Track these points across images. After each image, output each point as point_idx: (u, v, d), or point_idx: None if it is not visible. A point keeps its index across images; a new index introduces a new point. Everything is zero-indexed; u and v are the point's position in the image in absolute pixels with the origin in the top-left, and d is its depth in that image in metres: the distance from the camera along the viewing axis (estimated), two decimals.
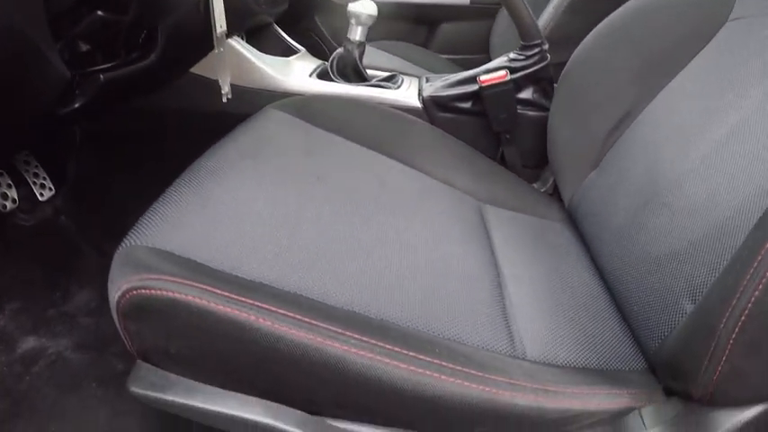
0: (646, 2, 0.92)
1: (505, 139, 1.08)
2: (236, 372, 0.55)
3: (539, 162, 1.10)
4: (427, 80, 1.22)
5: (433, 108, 1.11)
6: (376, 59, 1.54)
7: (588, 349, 0.65)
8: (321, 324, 0.52)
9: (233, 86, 1.20)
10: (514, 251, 0.81)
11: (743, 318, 0.49)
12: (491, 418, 0.53)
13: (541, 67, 1.06)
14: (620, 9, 0.94)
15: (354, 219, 0.71)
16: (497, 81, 1.03)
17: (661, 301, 0.63)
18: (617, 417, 0.57)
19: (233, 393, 0.55)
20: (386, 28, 1.99)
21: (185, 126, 1.30)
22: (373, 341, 0.53)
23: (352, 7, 1.20)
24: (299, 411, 0.54)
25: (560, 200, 1.00)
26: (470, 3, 1.95)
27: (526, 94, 1.08)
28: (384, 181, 0.84)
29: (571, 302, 0.73)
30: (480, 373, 0.54)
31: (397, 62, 1.59)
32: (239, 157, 0.77)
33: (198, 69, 1.23)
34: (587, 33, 0.98)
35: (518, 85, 1.06)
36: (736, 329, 0.49)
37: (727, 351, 0.50)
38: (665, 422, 0.56)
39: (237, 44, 1.23)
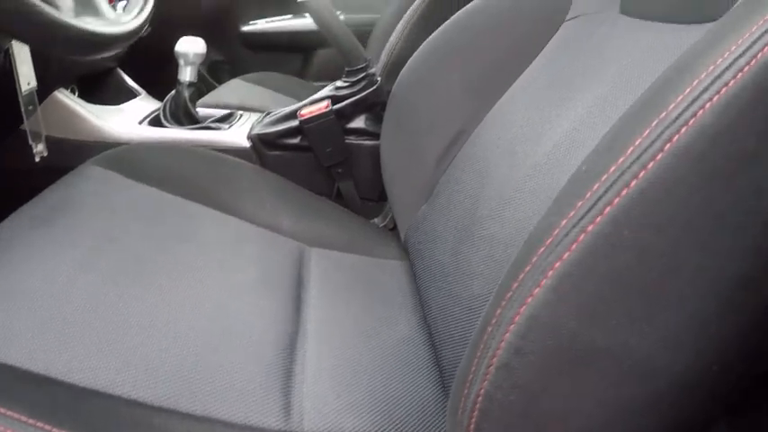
0: (474, 10, 0.86)
1: (338, 174, 1.01)
2: None
3: (379, 194, 1.03)
4: (268, 115, 1.15)
5: (262, 147, 1.03)
6: (234, 96, 1.47)
7: (382, 416, 0.57)
8: None
9: (60, 140, 1.13)
10: (330, 300, 0.73)
11: (476, 409, 0.37)
12: None
13: (370, 93, 0.99)
14: (448, 22, 0.88)
15: (132, 285, 0.65)
16: (317, 113, 0.96)
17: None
18: None
19: None
20: (260, 59, 1.95)
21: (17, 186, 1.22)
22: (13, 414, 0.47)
23: (178, 47, 1.12)
24: None
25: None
26: None
27: (357, 122, 1.01)
28: (191, 235, 0.76)
29: (379, 360, 0.65)
30: None
31: (256, 97, 1.52)
32: (30, 227, 0.72)
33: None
34: None
35: (346, 114, 1.00)
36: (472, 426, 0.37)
37: None
38: None
39: (61, 94, 1.15)
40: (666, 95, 0.33)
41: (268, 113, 1.17)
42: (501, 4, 0.84)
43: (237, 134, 1.08)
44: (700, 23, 0.55)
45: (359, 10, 1.98)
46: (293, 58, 1.99)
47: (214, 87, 1.86)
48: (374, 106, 1.00)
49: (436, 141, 0.83)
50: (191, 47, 1.12)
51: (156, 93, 1.36)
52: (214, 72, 2.02)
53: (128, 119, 1.18)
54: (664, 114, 0.32)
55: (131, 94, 1.33)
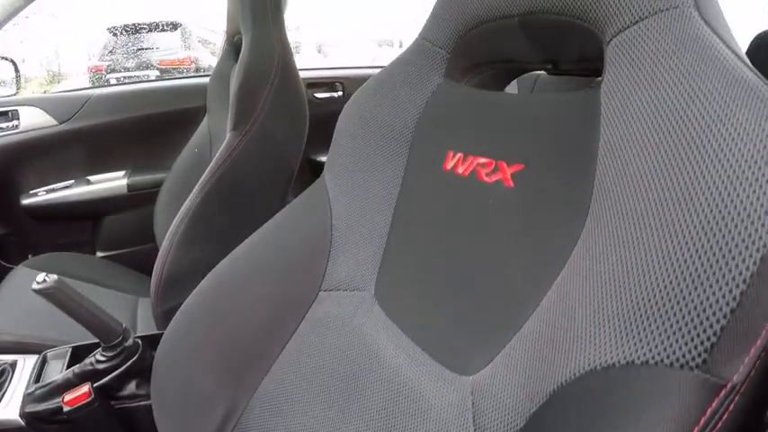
0: (229, 264, 0.84)
1: None
2: None
3: None
4: (42, 370, 1.10)
5: (38, 423, 0.98)
6: (12, 320, 1.39)
7: None
8: None
9: None
10: None
11: None
12: None
13: (133, 363, 0.97)
14: (200, 286, 0.86)
15: None
16: (80, 403, 0.93)
17: None
18: None
19: None
20: (49, 230, 1.86)
21: None
22: None
23: None
24: None
25: None
26: (128, 191, 1.87)
27: (129, 389, 0.99)
28: None
29: None
30: None
31: (39, 312, 1.44)
32: None
33: None
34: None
35: (114, 387, 0.97)
36: None
37: None
38: None
39: None
40: None
41: (44, 357, 1.13)
42: (256, 265, 0.82)
43: (11, 409, 1.02)
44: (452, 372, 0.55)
45: (147, 169, 1.94)
46: (83, 225, 1.93)
47: (5, 269, 1.76)
48: (142, 371, 0.99)
49: (204, 426, 0.80)
50: None
51: None
52: (2, 247, 1.90)
53: None
54: None
55: None
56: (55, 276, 0.90)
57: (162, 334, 0.97)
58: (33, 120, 1.86)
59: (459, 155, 0.61)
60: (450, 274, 0.60)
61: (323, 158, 2.02)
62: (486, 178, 0.57)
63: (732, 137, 0.35)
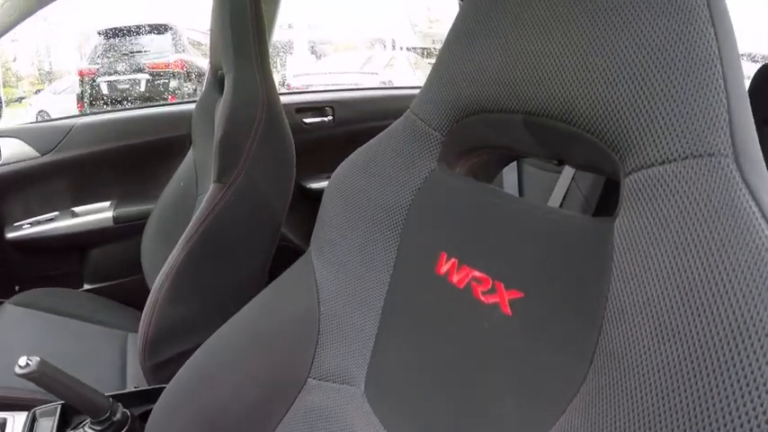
0: (215, 350, 0.81)
1: None
2: None
3: None
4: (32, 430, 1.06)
5: None
6: None
7: None
8: None
9: None
10: None
11: None
12: None
13: None
14: (189, 362, 0.82)
15: None
16: None
17: None
18: None
19: None
20: (36, 262, 1.83)
21: None
22: None
23: None
24: None
25: None
26: (114, 223, 1.82)
27: None
28: None
29: None
30: None
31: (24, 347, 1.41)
32: None
33: None
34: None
35: None
36: None
37: None
38: None
39: None
40: None
41: (34, 415, 1.10)
42: (242, 347, 0.79)
43: None
44: None
45: (133, 200, 1.90)
46: (69, 257, 1.89)
47: None
48: None
49: None
50: None
51: None
52: None
53: None
54: None
55: None
56: (37, 359, 0.88)
57: (151, 390, 1.00)
58: (14, 150, 1.81)
59: (453, 260, 0.57)
60: (441, 391, 0.56)
61: (313, 185, 1.98)
62: (482, 297, 0.53)
63: (761, 354, 0.31)
